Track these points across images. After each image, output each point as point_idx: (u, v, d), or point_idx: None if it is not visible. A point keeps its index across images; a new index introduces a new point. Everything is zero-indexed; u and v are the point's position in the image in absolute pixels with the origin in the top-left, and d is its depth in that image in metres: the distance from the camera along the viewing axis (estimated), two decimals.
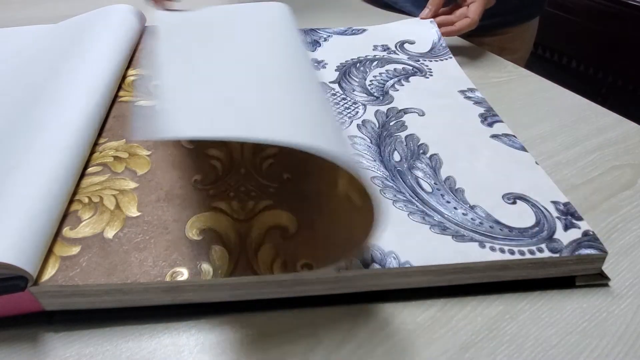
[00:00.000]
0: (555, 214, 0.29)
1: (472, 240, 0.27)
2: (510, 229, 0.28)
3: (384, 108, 0.39)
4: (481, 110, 0.40)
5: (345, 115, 0.38)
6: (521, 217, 0.29)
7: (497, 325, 0.25)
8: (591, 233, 0.28)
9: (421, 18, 0.54)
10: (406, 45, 0.51)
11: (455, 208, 0.29)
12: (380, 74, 0.45)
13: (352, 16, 0.62)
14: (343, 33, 0.53)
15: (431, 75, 0.45)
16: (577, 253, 0.27)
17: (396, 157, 0.34)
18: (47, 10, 0.58)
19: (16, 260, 0.21)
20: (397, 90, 0.42)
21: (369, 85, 0.43)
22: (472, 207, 0.30)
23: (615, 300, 0.27)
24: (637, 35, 1.16)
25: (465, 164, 0.33)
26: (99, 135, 0.34)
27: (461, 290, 0.27)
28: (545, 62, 1.39)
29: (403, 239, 0.27)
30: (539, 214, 0.29)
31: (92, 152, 0.32)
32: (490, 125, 0.38)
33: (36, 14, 0.57)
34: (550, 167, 0.36)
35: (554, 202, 0.30)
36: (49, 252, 0.24)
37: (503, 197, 0.31)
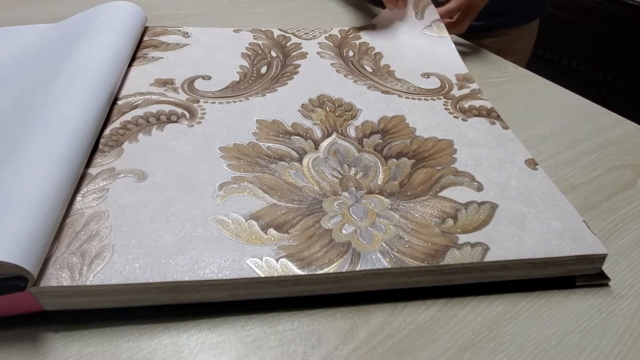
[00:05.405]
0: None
1: None
2: None
3: None
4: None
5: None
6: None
7: (497, 325, 0.25)
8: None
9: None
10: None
11: None
12: None
13: (353, 16, 0.62)
14: None
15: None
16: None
17: None
18: (48, 10, 0.58)
19: (17, 260, 0.21)
20: None
21: None
22: None
23: (615, 300, 0.27)
24: (637, 35, 1.16)
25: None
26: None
27: (461, 290, 0.27)
28: (545, 62, 1.39)
29: None
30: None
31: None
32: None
33: (36, 14, 0.57)
34: (550, 167, 0.36)
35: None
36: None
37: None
